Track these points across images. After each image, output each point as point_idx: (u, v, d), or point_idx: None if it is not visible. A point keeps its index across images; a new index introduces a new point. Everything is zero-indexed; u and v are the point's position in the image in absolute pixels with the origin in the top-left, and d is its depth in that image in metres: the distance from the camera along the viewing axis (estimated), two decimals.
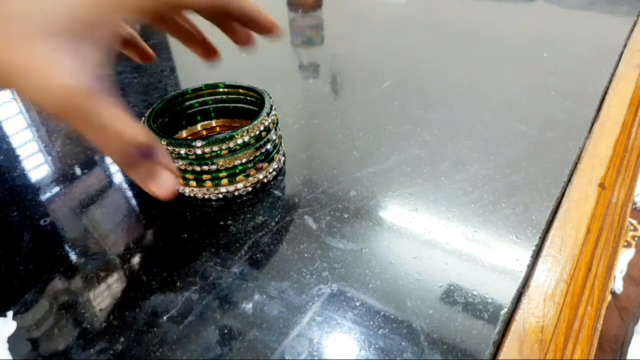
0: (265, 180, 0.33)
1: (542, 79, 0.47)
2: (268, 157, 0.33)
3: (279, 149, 0.35)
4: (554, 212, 0.32)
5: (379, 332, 0.24)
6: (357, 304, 0.26)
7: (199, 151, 0.30)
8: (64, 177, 0.36)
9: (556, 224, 0.31)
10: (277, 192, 0.33)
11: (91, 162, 0.38)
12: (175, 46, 0.57)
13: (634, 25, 0.57)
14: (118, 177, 0.36)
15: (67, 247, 0.30)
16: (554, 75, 0.47)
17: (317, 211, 0.32)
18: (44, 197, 0.34)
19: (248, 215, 0.32)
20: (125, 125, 0.21)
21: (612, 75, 0.47)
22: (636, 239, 1.24)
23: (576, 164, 0.36)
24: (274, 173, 0.34)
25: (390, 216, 0.31)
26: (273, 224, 0.31)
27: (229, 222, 0.31)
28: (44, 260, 0.29)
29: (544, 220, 0.31)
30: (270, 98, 0.34)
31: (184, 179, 0.32)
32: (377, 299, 0.26)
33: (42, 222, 0.32)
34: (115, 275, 0.28)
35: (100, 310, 0.26)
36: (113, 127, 0.21)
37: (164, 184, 0.24)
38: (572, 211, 0.32)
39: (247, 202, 0.33)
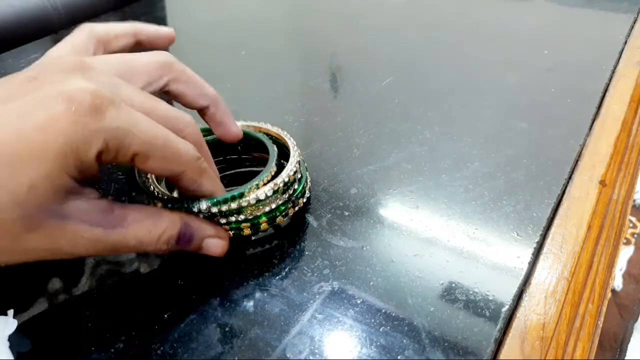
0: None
1: (543, 76, 0.47)
2: (296, 199, 0.30)
3: (305, 182, 0.31)
4: (554, 210, 0.32)
5: (380, 329, 0.24)
6: (358, 302, 0.26)
7: (210, 210, 0.26)
8: None
9: (557, 221, 0.31)
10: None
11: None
12: (174, 44, 0.57)
13: (634, 22, 0.57)
14: (117, 175, 0.36)
15: None
16: (554, 73, 0.47)
17: (317, 209, 0.32)
18: None
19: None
20: (139, 237, 0.23)
21: (613, 72, 0.47)
22: (635, 236, 1.25)
23: (577, 161, 0.36)
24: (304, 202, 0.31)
25: (391, 214, 0.31)
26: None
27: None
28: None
29: (544, 217, 0.31)
30: (294, 147, 0.31)
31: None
32: (378, 296, 0.26)
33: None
34: (116, 274, 0.28)
35: (101, 308, 0.26)
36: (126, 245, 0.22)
37: (214, 249, 0.26)
38: (573, 208, 0.32)
39: None
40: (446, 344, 0.24)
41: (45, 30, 0.62)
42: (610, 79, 0.46)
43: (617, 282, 1.12)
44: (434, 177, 0.34)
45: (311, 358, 0.23)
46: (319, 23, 0.63)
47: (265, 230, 0.29)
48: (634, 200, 1.32)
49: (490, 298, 0.26)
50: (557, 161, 0.35)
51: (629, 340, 0.98)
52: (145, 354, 0.24)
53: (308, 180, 0.32)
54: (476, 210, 0.31)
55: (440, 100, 0.44)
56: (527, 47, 0.53)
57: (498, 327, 0.24)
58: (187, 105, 0.30)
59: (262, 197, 0.27)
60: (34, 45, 0.57)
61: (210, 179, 0.25)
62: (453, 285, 0.27)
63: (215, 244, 0.26)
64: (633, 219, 1.28)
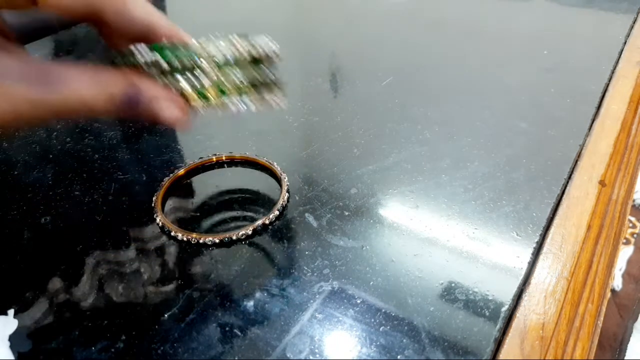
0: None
1: (543, 76, 0.47)
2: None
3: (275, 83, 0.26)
4: (554, 210, 0.32)
5: (380, 329, 0.24)
6: (358, 302, 0.26)
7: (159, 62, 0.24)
8: (64, 174, 0.36)
9: (557, 221, 0.31)
10: (277, 190, 0.33)
11: (90, 160, 0.38)
12: None
13: (634, 23, 0.57)
14: (117, 175, 0.36)
15: (67, 246, 0.30)
16: (554, 73, 0.47)
17: (317, 209, 0.32)
18: (44, 195, 0.34)
19: (248, 213, 0.32)
20: (89, 91, 0.21)
21: (612, 72, 0.47)
22: (635, 236, 1.25)
23: (576, 161, 0.36)
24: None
25: (391, 214, 0.31)
26: (274, 221, 0.31)
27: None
28: (45, 258, 0.29)
29: (544, 217, 0.31)
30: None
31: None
32: (378, 296, 0.26)
33: (42, 221, 0.32)
34: (116, 274, 0.28)
35: (102, 308, 0.26)
36: (80, 101, 0.21)
37: (166, 112, 0.23)
38: (572, 208, 0.32)
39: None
40: (446, 344, 0.24)
41: (46, 30, 0.62)
42: (609, 79, 0.46)
43: (617, 282, 1.12)
44: (434, 177, 0.34)
45: (311, 358, 0.23)
46: (319, 23, 0.63)
47: (229, 96, 0.25)
48: (634, 200, 1.32)
49: (490, 298, 0.26)
50: (556, 161, 0.35)
51: (629, 340, 0.98)
52: (146, 354, 0.24)
53: (278, 85, 0.26)
54: (476, 210, 0.31)
55: (440, 100, 0.44)
56: (527, 47, 0.53)
57: (498, 326, 0.24)
58: None
59: (219, 55, 0.24)
60: (34, 45, 0.57)
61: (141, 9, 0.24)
62: (453, 285, 0.27)
63: (167, 106, 0.23)
64: (632, 218, 1.28)
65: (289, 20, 0.65)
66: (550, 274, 0.28)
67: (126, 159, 0.38)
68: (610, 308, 1.05)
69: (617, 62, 0.49)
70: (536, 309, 0.26)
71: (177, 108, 0.24)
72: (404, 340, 0.24)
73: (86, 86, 0.21)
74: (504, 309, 0.25)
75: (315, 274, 0.27)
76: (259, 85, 0.26)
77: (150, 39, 0.24)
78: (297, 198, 0.33)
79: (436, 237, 0.30)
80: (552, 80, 0.46)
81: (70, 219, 0.32)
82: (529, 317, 0.26)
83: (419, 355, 0.23)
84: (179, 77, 0.24)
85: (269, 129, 0.40)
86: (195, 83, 0.24)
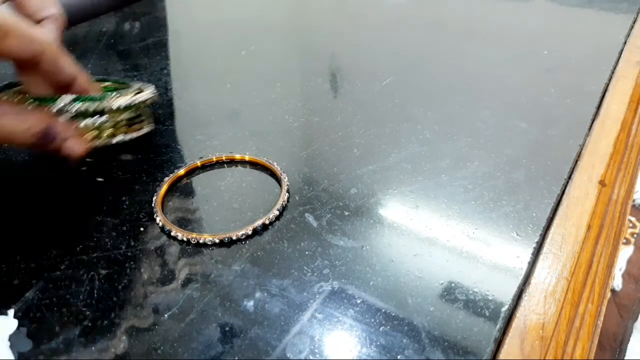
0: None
1: (542, 76, 0.47)
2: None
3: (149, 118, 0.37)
4: (554, 210, 0.32)
5: (380, 329, 0.24)
6: (358, 302, 0.26)
7: (75, 106, 0.31)
8: (64, 174, 0.36)
9: (557, 221, 0.31)
10: (277, 190, 0.33)
11: (90, 160, 0.38)
12: (174, 44, 0.57)
13: (634, 23, 0.57)
14: (117, 175, 0.36)
15: (67, 246, 0.30)
16: (554, 73, 0.47)
17: (317, 209, 0.32)
18: (44, 194, 0.34)
19: (248, 213, 0.32)
20: (14, 126, 0.26)
21: (612, 72, 0.47)
22: (635, 236, 1.25)
23: (576, 161, 0.36)
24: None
25: (391, 214, 0.31)
26: (274, 221, 0.31)
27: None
28: (45, 258, 0.29)
29: (544, 217, 0.31)
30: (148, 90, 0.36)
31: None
32: (378, 296, 0.26)
33: (42, 220, 0.32)
34: (117, 273, 0.28)
35: (101, 308, 0.26)
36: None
37: (74, 148, 0.29)
38: (572, 208, 0.32)
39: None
40: (446, 344, 0.24)
41: None
42: (609, 79, 0.46)
43: (617, 282, 1.12)
44: (434, 177, 0.34)
45: (311, 358, 0.23)
46: (319, 23, 0.63)
47: (124, 135, 0.34)
48: (634, 200, 1.32)
49: (490, 298, 0.26)
50: (556, 161, 0.35)
51: (629, 340, 0.98)
52: (146, 354, 0.24)
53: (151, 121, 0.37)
54: (476, 210, 0.31)
55: (440, 100, 0.44)
56: (526, 47, 0.53)
57: (498, 326, 0.24)
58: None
59: (123, 104, 0.33)
60: None
61: (69, 63, 0.28)
62: (453, 285, 0.27)
63: (75, 144, 0.29)
64: (632, 218, 1.28)
65: (289, 20, 0.65)
66: (550, 274, 0.28)
67: (128, 159, 0.38)
68: (610, 308, 1.05)
69: (617, 62, 0.49)
70: (536, 309, 0.26)
71: (82, 144, 0.29)
72: (404, 340, 0.24)
73: (15, 121, 0.25)
74: (504, 309, 0.25)
75: (315, 274, 0.27)
76: (140, 121, 0.35)
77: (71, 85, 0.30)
78: (297, 198, 0.33)
79: (436, 237, 0.30)
80: (552, 80, 0.46)
81: (70, 219, 0.32)
82: (529, 317, 0.26)
83: (419, 355, 0.23)
84: (83, 120, 0.32)
85: (269, 129, 0.40)
86: (95, 124, 0.32)
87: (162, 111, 0.43)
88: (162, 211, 0.31)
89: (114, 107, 0.32)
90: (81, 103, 0.31)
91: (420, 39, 0.57)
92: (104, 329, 0.25)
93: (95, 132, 0.33)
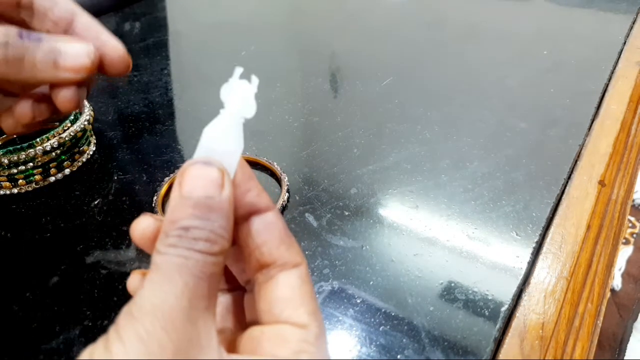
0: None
1: (542, 76, 0.47)
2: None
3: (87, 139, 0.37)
4: (554, 209, 0.32)
5: (380, 329, 0.24)
6: (358, 301, 0.26)
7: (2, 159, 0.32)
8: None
9: (556, 221, 0.31)
10: (277, 190, 0.33)
11: (90, 160, 0.38)
12: (174, 44, 0.57)
13: (634, 23, 0.57)
14: (117, 175, 0.36)
15: (67, 246, 0.30)
16: (553, 73, 0.47)
17: (317, 209, 0.32)
18: (44, 195, 0.34)
19: None
20: None
21: (612, 72, 0.47)
22: (635, 236, 1.25)
23: (576, 161, 0.36)
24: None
25: (391, 214, 0.31)
26: None
27: None
28: (45, 258, 0.29)
29: (544, 217, 0.31)
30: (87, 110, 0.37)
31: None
32: (377, 296, 0.26)
33: (42, 221, 0.32)
34: (116, 274, 0.28)
35: (102, 308, 0.26)
36: None
37: (78, 54, 0.21)
38: (572, 208, 0.32)
39: None
40: (446, 344, 0.24)
41: None
42: (609, 79, 0.46)
43: (616, 282, 1.12)
44: (434, 177, 0.34)
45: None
46: (319, 23, 0.63)
47: (54, 175, 0.35)
48: (633, 200, 1.32)
49: (490, 297, 0.26)
50: (556, 161, 0.35)
51: (628, 340, 0.98)
52: None
53: (93, 141, 0.38)
54: (475, 210, 0.31)
55: (440, 100, 0.44)
56: (527, 47, 0.53)
57: (497, 326, 0.24)
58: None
59: (49, 148, 0.33)
60: None
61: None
62: (452, 284, 0.27)
63: (76, 44, 0.21)
64: (632, 218, 1.28)
65: (289, 20, 0.65)
66: (549, 273, 0.28)
67: (126, 159, 0.38)
68: (610, 308, 1.05)
69: (616, 62, 0.49)
70: (536, 309, 0.26)
71: (89, 48, 0.22)
72: (404, 340, 0.24)
73: None
74: (503, 308, 0.25)
75: (315, 273, 0.27)
76: (80, 147, 0.36)
77: (69, 29, 0.23)
78: (297, 198, 0.33)
79: (436, 237, 0.30)
80: (552, 80, 0.46)
81: (71, 219, 0.32)
82: (529, 316, 0.26)
83: (419, 355, 0.23)
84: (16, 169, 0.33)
85: (269, 129, 0.40)
86: (29, 171, 0.34)
87: (162, 111, 0.43)
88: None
89: (44, 150, 0.33)
90: (10, 155, 0.32)
91: (420, 39, 0.57)
92: (104, 329, 0.25)
93: (37, 177, 0.34)
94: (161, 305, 0.13)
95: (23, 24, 0.22)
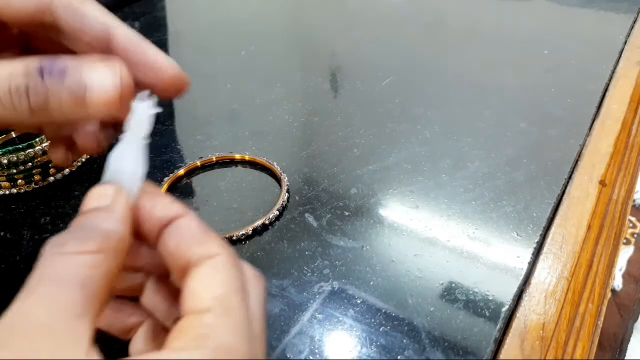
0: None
1: (543, 76, 0.47)
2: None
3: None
4: (554, 210, 0.32)
5: (380, 329, 0.24)
6: (358, 302, 0.26)
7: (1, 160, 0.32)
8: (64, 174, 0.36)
9: (557, 221, 0.31)
10: (276, 190, 0.33)
11: (90, 160, 0.38)
12: (174, 44, 0.57)
13: (634, 22, 0.57)
14: None
15: None
16: (554, 73, 0.47)
17: (317, 209, 0.32)
18: (44, 195, 0.34)
19: (248, 213, 0.32)
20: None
21: (613, 72, 0.47)
22: (635, 236, 1.25)
23: (577, 161, 0.36)
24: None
25: (391, 214, 0.31)
26: (274, 221, 0.31)
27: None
28: None
29: (544, 217, 0.31)
30: None
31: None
32: (378, 296, 0.26)
33: (42, 221, 0.32)
34: None
35: None
36: None
37: (105, 79, 0.17)
38: (572, 208, 0.32)
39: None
40: (446, 344, 0.24)
41: None
42: (610, 79, 0.46)
43: (617, 282, 1.12)
44: (434, 177, 0.34)
45: (311, 358, 0.23)
46: (319, 23, 0.63)
47: (54, 175, 0.35)
48: (634, 200, 1.32)
49: (490, 298, 0.26)
50: (557, 161, 0.35)
51: (629, 340, 0.98)
52: None
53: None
54: (476, 210, 0.31)
55: (440, 100, 0.44)
56: (527, 47, 0.53)
57: (498, 326, 0.24)
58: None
59: (48, 148, 0.30)
60: None
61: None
62: (453, 285, 0.27)
63: (105, 73, 0.17)
64: (633, 218, 1.28)
65: (289, 20, 0.65)
66: (550, 274, 0.28)
67: None
68: (611, 308, 1.05)
69: (617, 62, 0.49)
70: (536, 309, 0.26)
71: (118, 71, 0.17)
72: (404, 341, 0.24)
73: None
74: (504, 309, 0.25)
75: (315, 274, 0.27)
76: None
77: (107, 48, 0.19)
78: (297, 198, 0.33)
79: (436, 237, 0.29)
80: (552, 80, 0.46)
81: (70, 219, 0.32)
82: (529, 317, 0.26)
83: (419, 355, 0.23)
84: (16, 169, 0.33)
85: (268, 129, 0.40)
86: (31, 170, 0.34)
87: (162, 111, 0.43)
88: None
89: (43, 150, 0.33)
90: (10, 155, 0.32)
91: (420, 39, 0.57)
92: None
93: (36, 177, 0.34)
94: (24, 320, 0.13)
95: (55, 45, 0.19)
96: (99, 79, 0.17)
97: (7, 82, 0.16)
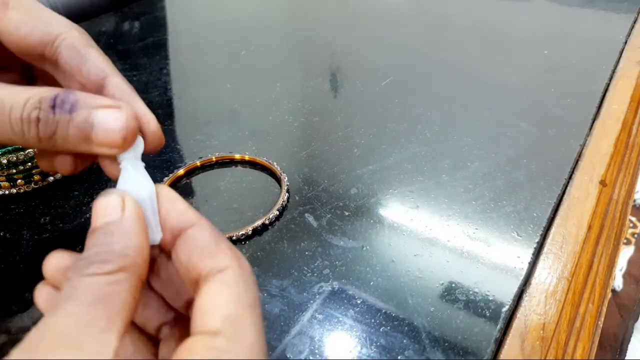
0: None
1: (543, 76, 0.47)
2: None
3: None
4: (555, 210, 0.32)
5: (380, 329, 0.24)
6: (359, 302, 0.26)
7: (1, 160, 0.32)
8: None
9: (557, 221, 0.31)
10: (276, 190, 0.33)
11: None
12: (174, 44, 0.57)
13: (635, 22, 0.57)
14: None
15: (67, 246, 0.30)
16: (554, 73, 0.47)
17: (317, 209, 0.32)
18: (44, 195, 0.34)
19: (248, 213, 0.32)
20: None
21: (613, 72, 0.47)
22: (636, 236, 1.25)
23: (577, 161, 0.36)
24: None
25: (391, 214, 0.31)
26: (274, 221, 0.31)
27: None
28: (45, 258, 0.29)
29: (545, 217, 0.31)
30: None
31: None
32: (378, 296, 0.26)
33: (42, 221, 0.32)
34: None
35: None
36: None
37: (112, 122, 0.18)
38: (573, 208, 0.32)
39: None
40: (446, 344, 0.24)
41: None
42: (610, 79, 0.46)
43: (618, 282, 1.12)
44: (434, 177, 0.34)
45: (311, 358, 0.23)
46: (319, 23, 0.63)
47: (54, 175, 0.34)
48: (634, 200, 1.32)
49: (491, 298, 0.26)
50: (557, 161, 0.35)
51: (629, 341, 0.98)
52: None
53: None
54: (476, 210, 0.31)
55: (440, 100, 0.44)
56: (527, 47, 0.53)
57: (498, 327, 0.24)
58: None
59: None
60: None
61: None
62: (453, 285, 0.26)
63: (111, 115, 0.18)
64: (633, 218, 1.28)
65: (289, 20, 0.65)
66: (550, 274, 0.28)
67: None
68: (611, 308, 1.05)
69: (617, 62, 0.49)
70: (537, 309, 0.26)
71: (123, 115, 0.18)
72: (405, 341, 0.24)
73: (10, 89, 0.18)
74: (504, 309, 0.25)
75: (315, 274, 0.27)
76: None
77: (98, 92, 0.19)
78: (297, 198, 0.33)
79: (436, 237, 0.29)
80: (552, 80, 0.46)
81: (70, 219, 0.32)
82: (530, 317, 0.26)
83: (420, 355, 0.23)
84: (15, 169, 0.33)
85: (268, 129, 0.40)
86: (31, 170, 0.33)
87: (161, 111, 0.43)
88: None
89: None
90: (10, 155, 0.32)
91: (420, 39, 0.57)
92: None
93: (36, 177, 0.34)
94: (50, 333, 0.14)
95: (48, 76, 0.20)
96: (106, 120, 0.18)
97: (20, 111, 0.17)
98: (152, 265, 0.18)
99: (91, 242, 0.16)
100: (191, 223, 0.17)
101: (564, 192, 0.33)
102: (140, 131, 0.19)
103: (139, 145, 0.19)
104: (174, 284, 0.18)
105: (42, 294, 0.17)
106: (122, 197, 0.16)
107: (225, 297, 0.15)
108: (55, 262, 0.17)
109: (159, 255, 0.18)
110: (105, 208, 0.16)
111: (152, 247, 0.17)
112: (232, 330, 0.14)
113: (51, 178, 0.35)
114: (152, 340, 0.18)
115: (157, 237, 0.17)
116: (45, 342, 0.13)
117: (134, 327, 0.18)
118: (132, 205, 0.16)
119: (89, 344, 0.13)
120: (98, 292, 0.14)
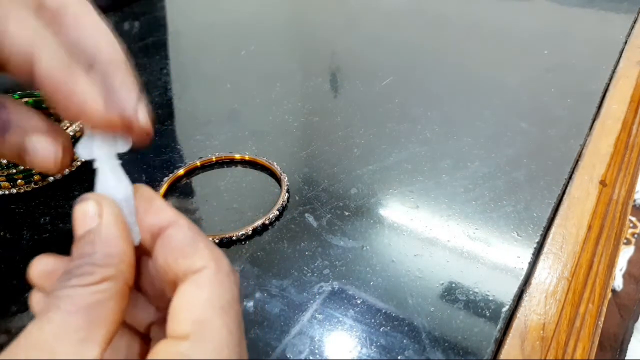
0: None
1: (543, 76, 0.47)
2: None
3: None
4: (555, 210, 0.32)
5: (380, 329, 0.24)
6: (358, 302, 0.26)
7: None
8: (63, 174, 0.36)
9: (557, 221, 0.31)
10: (276, 190, 0.33)
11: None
12: (174, 44, 0.57)
13: (635, 22, 0.57)
14: None
15: (67, 246, 0.30)
16: (554, 73, 0.47)
17: (317, 209, 0.32)
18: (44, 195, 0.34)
19: (248, 213, 0.32)
20: None
21: (613, 72, 0.47)
22: (636, 236, 1.25)
23: (577, 161, 0.36)
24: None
25: (391, 214, 0.31)
26: (274, 221, 0.31)
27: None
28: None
29: (545, 217, 0.31)
30: None
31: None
32: (378, 296, 0.26)
33: (42, 221, 0.32)
34: None
35: None
36: None
37: (42, 153, 0.17)
38: (573, 208, 0.32)
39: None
40: (446, 344, 0.24)
41: None
42: (610, 79, 0.46)
43: (618, 282, 1.12)
44: (434, 177, 0.34)
45: (311, 358, 0.23)
46: (319, 23, 0.63)
47: (53, 175, 0.34)
48: (634, 200, 1.32)
49: (491, 298, 0.26)
50: (557, 161, 0.35)
51: (629, 341, 0.98)
52: None
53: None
54: (476, 210, 0.31)
55: (440, 100, 0.44)
56: (527, 47, 0.53)
57: (498, 327, 0.24)
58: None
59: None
60: None
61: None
62: (453, 285, 0.26)
63: (44, 145, 0.17)
64: (633, 218, 1.28)
65: (289, 19, 0.65)
66: (550, 274, 0.28)
67: (126, 159, 0.37)
68: (611, 308, 1.05)
69: (617, 62, 0.49)
70: (537, 310, 0.26)
71: (57, 148, 0.18)
72: (405, 341, 0.24)
73: None
74: (504, 309, 0.25)
75: (315, 274, 0.27)
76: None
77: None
78: (297, 198, 0.33)
79: (436, 237, 0.29)
80: (552, 80, 0.46)
81: (70, 219, 0.32)
82: (530, 317, 0.26)
83: (420, 355, 0.23)
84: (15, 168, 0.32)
85: (269, 129, 0.40)
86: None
87: (161, 111, 0.43)
88: None
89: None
90: None
91: (420, 39, 0.57)
92: None
93: (36, 177, 0.34)
94: (29, 341, 0.14)
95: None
96: (38, 149, 0.17)
97: None
98: (137, 265, 0.18)
99: (76, 252, 0.15)
100: (168, 222, 0.16)
101: (564, 192, 0.33)
102: (127, 127, 0.18)
103: (115, 145, 0.18)
104: (158, 284, 0.18)
105: (35, 299, 0.17)
106: (99, 202, 0.16)
107: (196, 299, 0.15)
108: (40, 267, 0.17)
109: (143, 255, 0.18)
110: (83, 216, 0.16)
111: (135, 247, 0.17)
112: (200, 333, 0.14)
113: (51, 178, 0.35)
114: (145, 339, 0.18)
115: (135, 238, 0.17)
116: (23, 350, 0.13)
117: (127, 327, 0.18)
118: (109, 209, 0.16)
119: (66, 353, 0.13)
120: (80, 302, 0.14)
